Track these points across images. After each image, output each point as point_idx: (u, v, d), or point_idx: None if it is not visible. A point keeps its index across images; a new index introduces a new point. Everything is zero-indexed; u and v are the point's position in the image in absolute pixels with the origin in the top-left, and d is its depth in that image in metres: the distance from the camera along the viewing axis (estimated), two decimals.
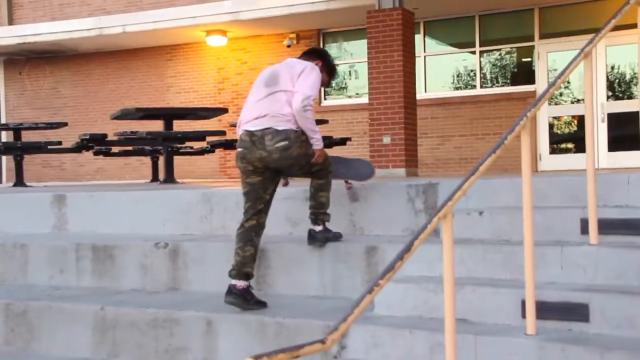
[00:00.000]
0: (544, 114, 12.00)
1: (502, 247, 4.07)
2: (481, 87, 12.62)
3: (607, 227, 3.93)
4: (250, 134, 4.27)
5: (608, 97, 11.69)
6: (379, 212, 5.09)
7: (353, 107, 13.18)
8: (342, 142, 10.97)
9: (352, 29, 13.34)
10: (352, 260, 4.61)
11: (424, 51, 12.87)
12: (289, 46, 13.58)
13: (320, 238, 4.67)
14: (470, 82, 12.82)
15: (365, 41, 10.68)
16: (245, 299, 4.26)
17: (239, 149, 4.32)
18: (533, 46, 12.19)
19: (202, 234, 5.65)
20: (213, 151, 10.75)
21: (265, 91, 4.30)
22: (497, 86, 12.64)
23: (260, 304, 4.32)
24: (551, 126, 12.25)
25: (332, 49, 13.88)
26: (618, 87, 11.91)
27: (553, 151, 12.13)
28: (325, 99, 13.63)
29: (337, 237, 4.74)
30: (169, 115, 9.05)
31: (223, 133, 9.54)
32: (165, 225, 5.79)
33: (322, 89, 9.09)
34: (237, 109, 14.18)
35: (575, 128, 12.38)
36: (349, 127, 13.12)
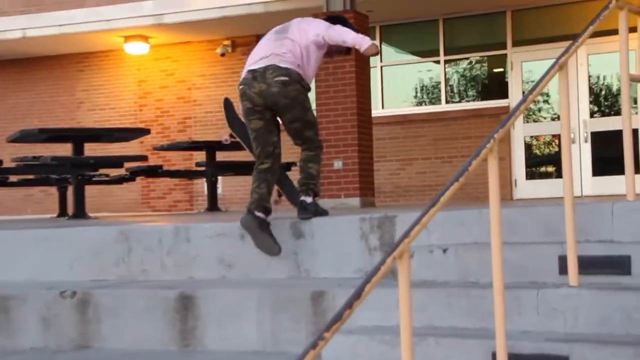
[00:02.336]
0: (520, 133, 12.23)
1: (469, 291, 4.11)
2: (447, 102, 12.83)
3: (589, 265, 4.01)
4: (252, 71, 5.01)
5: (592, 114, 11.99)
6: (327, 251, 5.11)
7: None
8: (286, 167, 11.00)
9: None
10: (296, 309, 4.60)
11: (381, 60, 13.04)
12: (222, 55, 13.62)
13: (311, 209, 5.19)
14: (435, 96, 13.03)
15: None
16: (261, 226, 4.97)
17: (240, 87, 5.05)
18: (505, 55, 12.47)
19: (117, 279, 5.57)
20: (133, 179, 10.66)
21: (274, 37, 5.10)
22: (466, 101, 12.87)
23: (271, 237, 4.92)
24: (528, 147, 12.50)
25: None
26: (604, 102, 12.23)
27: (531, 176, 12.36)
28: None
29: (325, 212, 5.30)
30: (79, 137, 8.96)
31: (145, 158, 9.47)
32: (73, 270, 5.69)
33: None
34: (162, 129, 14.12)
35: (556, 149, 12.66)
36: (293, 150, 13.14)
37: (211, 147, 10.49)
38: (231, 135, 5.97)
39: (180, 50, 14.14)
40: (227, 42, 13.69)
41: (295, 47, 5.02)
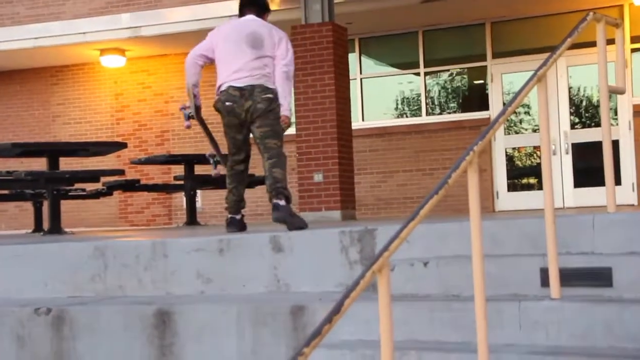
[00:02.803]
0: (501, 144, 12.31)
1: (451, 304, 4.12)
2: (427, 114, 12.89)
3: (571, 277, 4.03)
4: (240, 89, 5.72)
5: (573, 125, 12.10)
6: (307, 265, 5.10)
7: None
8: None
9: None
10: (276, 323, 4.59)
11: (360, 72, 13.09)
12: (201, 67, 13.59)
13: (285, 210, 5.63)
14: (415, 108, 13.09)
15: None
16: (243, 227, 5.99)
17: (227, 103, 5.75)
18: (486, 66, 12.56)
19: (94, 295, 5.53)
20: (110, 194, 10.61)
21: (252, 53, 5.73)
22: (446, 113, 12.94)
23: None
24: (510, 158, 12.58)
25: None
26: (584, 113, 12.35)
27: (513, 188, 12.43)
28: None
29: (302, 225, 5.60)
30: (54, 151, 8.90)
31: (122, 172, 9.44)
32: (47, 286, 5.65)
33: None
34: (140, 142, 14.07)
35: (537, 160, 12.74)
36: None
37: (190, 161, 10.46)
38: (189, 114, 6.32)
39: (157, 63, 14.12)
40: None
41: (271, 62, 5.83)
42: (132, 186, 10.47)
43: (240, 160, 5.99)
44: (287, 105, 5.86)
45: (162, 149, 13.92)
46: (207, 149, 12.84)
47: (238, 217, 6.11)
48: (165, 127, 14.12)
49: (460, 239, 4.62)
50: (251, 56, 5.76)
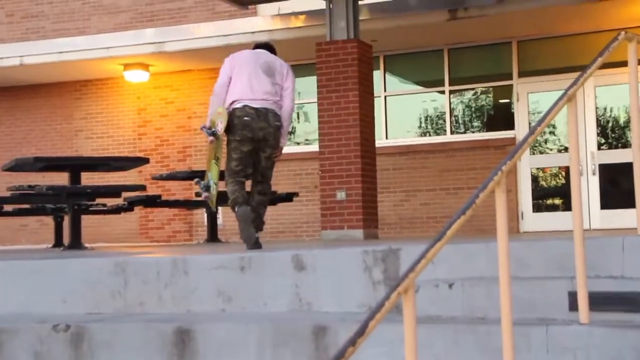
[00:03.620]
0: (526, 164, 12.24)
1: (476, 327, 4.06)
2: (452, 132, 12.84)
3: (600, 302, 3.97)
4: (256, 109, 6.27)
5: (600, 146, 12.01)
6: (330, 284, 5.06)
7: (301, 156, 13.24)
8: (288, 197, 10.97)
9: (299, 63, 13.49)
10: (298, 344, 4.55)
11: (384, 90, 13.08)
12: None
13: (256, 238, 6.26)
14: (440, 126, 13.05)
15: (314, 78, 10.81)
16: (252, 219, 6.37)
17: (244, 118, 6.24)
18: (512, 85, 12.51)
19: (113, 312, 5.52)
20: (131, 209, 10.62)
21: (267, 80, 6.38)
22: (471, 132, 12.88)
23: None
24: (535, 179, 12.49)
25: None
26: (611, 134, 12.25)
27: (537, 208, 12.33)
28: None
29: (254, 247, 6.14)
30: (76, 165, 8.95)
31: (143, 188, 9.45)
32: (67, 302, 5.64)
33: None
34: (162, 158, 14.13)
35: (563, 181, 12.64)
36: (296, 180, 13.16)
37: None
38: (213, 131, 6.53)
39: (180, 79, 14.19)
40: None
41: (280, 94, 6.50)
42: (153, 202, 10.49)
43: (245, 175, 6.45)
44: (285, 140, 6.62)
45: (183, 165, 13.96)
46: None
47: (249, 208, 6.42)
48: (187, 142, 14.16)
49: (487, 260, 4.57)
50: (265, 82, 6.39)
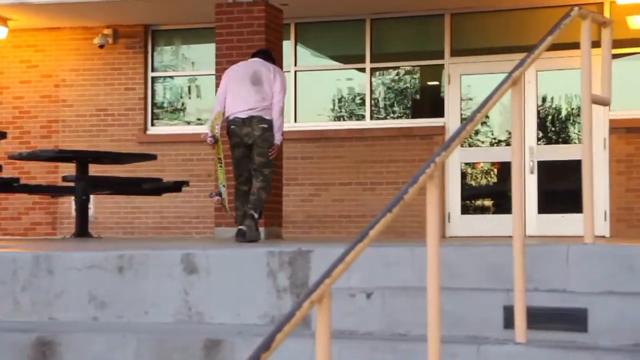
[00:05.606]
0: (456, 159, 12.42)
1: (397, 344, 4.12)
2: (372, 118, 12.94)
3: (539, 319, 4.07)
4: (242, 119, 8.14)
5: (539, 140, 12.29)
6: (226, 291, 5.06)
7: (192, 137, 13.09)
8: (176, 187, 10.88)
9: (194, 27, 13.38)
10: None
11: (295, 64, 13.07)
12: (101, 46, 13.41)
13: (254, 222, 7.97)
14: (358, 110, 13.13)
15: (213, 46, 10.71)
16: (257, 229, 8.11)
17: (232, 127, 8.17)
18: (442, 65, 12.67)
19: None
20: None
21: (253, 89, 8.19)
22: (394, 117, 13.01)
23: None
24: (463, 176, 12.70)
25: (165, 55, 13.82)
26: (551, 127, 12.56)
27: (466, 210, 12.55)
28: (152, 124, 13.52)
29: (254, 239, 7.88)
30: None
31: None
32: None
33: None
34: (21, 133, 13.77)
35: (494, 179, 12.92)
36: (186, 167, 13.04)
37: (83, 159, 10.30)
38: (213, 137, 8.38)
39: (47, 38, 13.84)
40: (107, 32, 13.46)
41: (268, 96, 8.22)
42: (8, 186, 10.25)
43: (243, 181, 8.27)
44: (279, 137, 8.29)
45: (48, 143, 13.64)
46: (102, 146, 12.73)
47: (244, 228, 7.98)
48: (53, 116, 13.84)
49: (411, 268, 4.63)
50: (252, 92, 8.19)
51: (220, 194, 8.65)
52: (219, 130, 8.38)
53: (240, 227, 8.09)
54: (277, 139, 8.31)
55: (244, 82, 8.25)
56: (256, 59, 8.60)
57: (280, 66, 10.44)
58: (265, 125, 8.18)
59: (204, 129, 9.14)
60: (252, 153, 8.29)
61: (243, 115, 8.17)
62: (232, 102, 8.29)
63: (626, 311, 4.12)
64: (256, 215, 8.04)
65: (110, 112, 13.49)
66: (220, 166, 8.68)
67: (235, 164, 8.37)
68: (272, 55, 8.77)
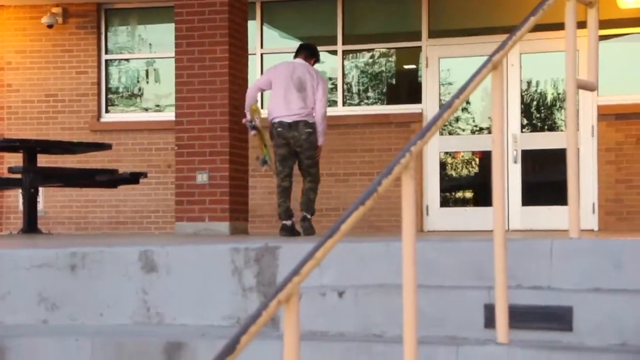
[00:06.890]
0: (434, 147, 12.47)
1: (371, 346, 4.15)
2: (344, 104, 12.98)
3: (522, 317, 4.12)
4: (288, 123, 9.05)
5: (523, 127, 12.37)
6: (188, 290, 5.08)
7: (150, 125, 13.11)
8: (133, 179, 10.87)
9: (151, 5, 13.36)
10: None
11: (261, 47, 13.08)
12: (50, 26, 13.34)
13: (309, 222, 9.15)
14: (329, 96, 13.15)
15: (172, 26, 10.69)
16: (293, 231, 9.15)
17: (278, 129, 9.03)
18: (420, 48, 12.72)
19: None
20: None
21: (298, 95, 9.11)
22: (368, 104, 13.05)
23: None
24: (442, 166, 12.76)
25: (120, 36, 13.78)
26: (536, 113, 12.64)
27: (445, 202, 12.62)
28: (107, 111, 13.47)
29: (309, 231, 9.11)
30: None
31: None
32: None
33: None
34: None
35: (476, 169, 12.99)
36: (143, 157, 13.02)
37: (31, 148, 10.25)
38: (253, 125, 9.32)
39: None
40: (56, 10, 13.39)
41: (312, 100, 9.14)
42: None
43: (285, 175, 9.12)
44: (322, 139, 9.25)
45: None
46: (52, 135, 12.68)
47: (289, 223, 9.01)
48: None
49: (386, 264, 4.67)
50: (296, 98, 9.05)
51: (266, 163, 9.51)
52: (259, 122, 9.33)
53: (284, 222, 9.04)
54: (321, 141, 9.30)
55: (289, 86, 9.13)
56: (299, 60, 9.42)
57: (245, 48, 10.49)
58: (310, 130, 9.13)
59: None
60: (298, 154, 9.24)
61: (289, 120, 9.09)
62: (276, 105, 9.18)
63: (613, 309, 4.18)
64: (309, 216, 9.19)
65: (60, 97, 13.43)
66: (267, 149, 9.54)
67: (279, 159, 9.23)
68: (317, 52, 9.73)
